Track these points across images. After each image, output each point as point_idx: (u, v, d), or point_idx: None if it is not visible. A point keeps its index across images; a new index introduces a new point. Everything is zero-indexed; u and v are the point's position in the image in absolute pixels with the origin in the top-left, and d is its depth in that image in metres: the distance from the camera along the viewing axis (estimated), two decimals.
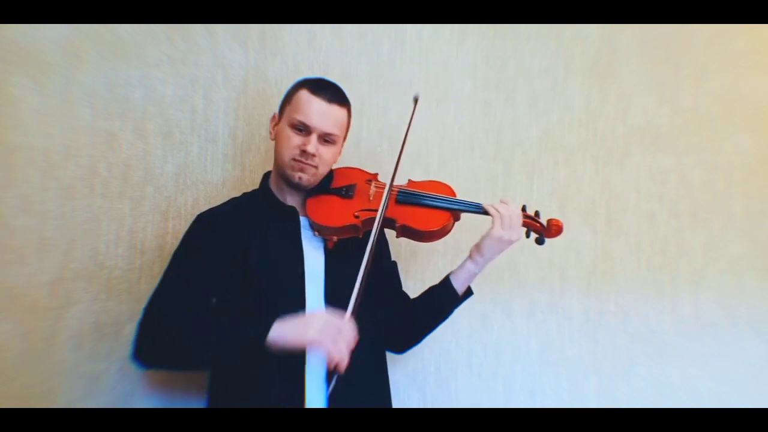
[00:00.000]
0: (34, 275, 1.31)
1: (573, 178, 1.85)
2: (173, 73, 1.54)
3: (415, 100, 1.38)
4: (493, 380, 1.78)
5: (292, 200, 1.37)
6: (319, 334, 1.12)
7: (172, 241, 1.52)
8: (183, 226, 1.52)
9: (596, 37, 1.86)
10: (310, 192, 1.37)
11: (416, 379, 1.74)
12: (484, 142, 1.83)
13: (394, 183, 1.35)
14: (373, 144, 1.75)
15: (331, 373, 1.16)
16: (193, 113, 1.57)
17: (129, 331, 1.45)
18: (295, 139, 1.30)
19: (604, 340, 1.81)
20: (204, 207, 1.54)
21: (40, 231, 1.32)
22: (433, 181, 1.44)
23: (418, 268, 1.74)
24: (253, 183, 1.62)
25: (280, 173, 1.36)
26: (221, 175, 1.61)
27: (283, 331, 1.14)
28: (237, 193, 1.53)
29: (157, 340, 1.22)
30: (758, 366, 1.81)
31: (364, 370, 1.27)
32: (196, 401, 1.54)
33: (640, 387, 1.80)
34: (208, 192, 1.59)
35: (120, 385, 1.44)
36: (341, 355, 1.11)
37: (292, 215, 1.35)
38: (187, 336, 1.20)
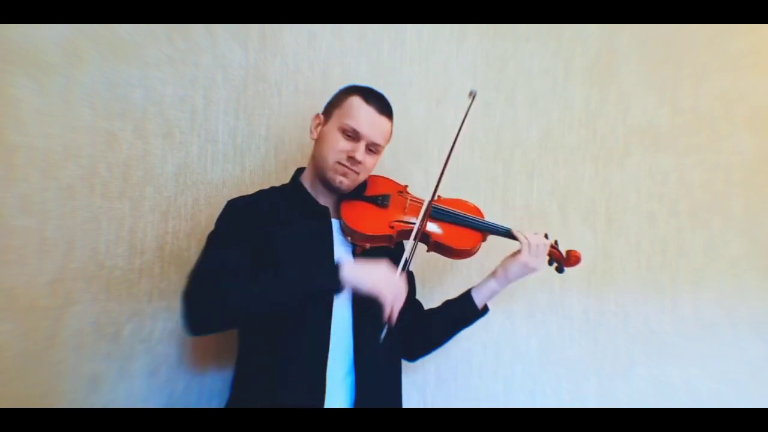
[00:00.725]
0: (34, 275, 1.31)
1: (573, 178, 1.85)
2: (173, 73, 1.54)
3: (472, 96, 1.39)
4: (493, 380, 1.78)
5: (324, 201, 1.37)
6: (388, 289, 1.17)
7: (172, 241, 1.52)
8: (183, 226, 1.53)
9: (596, 37, 1.86)
10: (344, 196, 1.37)
11: (416, 379, 1.74)
12: (484, 142, 1.83)
13: (421, 196, 1.39)
14: None
15: (383, 324, 1.20)
16: (193, 113, 1.57)
17: (129, 331, 1.46)
18: (344, 144, 1.31)
19: (604, 340, 1.81)
20: (204, 207, 1.55)
21: (40, 231, 1.32)
22: (463, 201, 1.47)
23: (418, 269, 1.74)
24: (253, 183, 1.62)
25: (318, 174, 1.36)
26: (221, 175, 1.61)
27: (358, 274, 1.16)
28: (237, 194, 1.52)
29: (213, 297, 1.13)
30: (758, 366, 1.82)
31: (385, 375, 1.30)
32: (196, 401, 1.54)
33: (640, 387, 1.80)
34: (208, 192, 1.59)
35: (120, 385, 1.44)
36: (395, 311, 1.18)
37: (324, 215, 1.35)
38: (246, 286, 1.14)
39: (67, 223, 1.36)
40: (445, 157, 1.34)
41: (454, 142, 1.34)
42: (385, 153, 1.74)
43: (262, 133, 1.65)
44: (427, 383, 1.75)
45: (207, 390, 1.55)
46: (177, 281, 1.48)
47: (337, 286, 1.14)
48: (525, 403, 1.78)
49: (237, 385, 1.29)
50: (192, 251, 1.51)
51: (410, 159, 1.75)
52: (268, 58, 1.67)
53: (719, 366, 1.81)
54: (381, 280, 1.17)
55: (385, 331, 1.19)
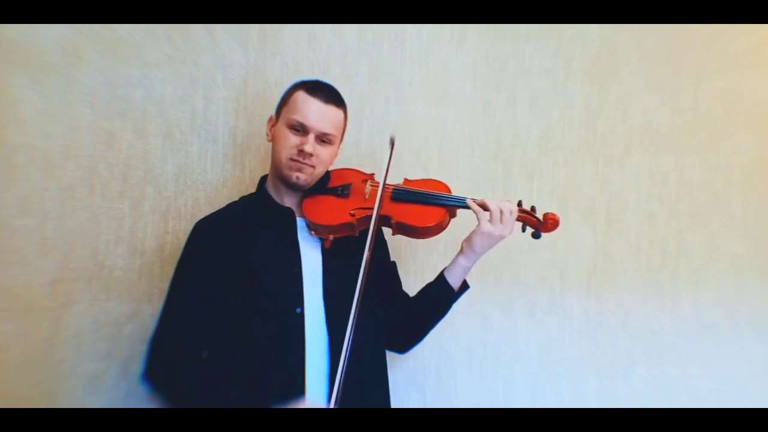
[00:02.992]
0: (34, 275, 1.31)
1: (573, 178, 1.85)
2: (173, 73, 1.54)
3: (392, 143, 1.36)
4: (493, 380, 1.78)
5: (289, 201, 1.38)
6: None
7: (172, 241, 1.52)
8: (183, 226, 1.53)
9: (596, 37, 1.86)
10: (307, 192, 1.38)
11: (416, 379, 1.74)
12: (484, 142, 1.83)
13: (390, 182, 1.37)
14: (373, 144, 1.75)
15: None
16: (193, 113, 1.57)
17: (129, 331, 1.46)
18: (293, 139, 1.32)
19: (604, 340, 1.81)
20: (204, 207, 1.55)
21: (40, 231, 1.32)
22: (429, 179, 1.45)
23: (418, 268, 1.74)
24: (253, 183, 1.61)
25: (277, 174, 1.37)
26: (221, 175, 1.61)
27: None
28: (237, 194, 1.53)
29: (169, 376, 1.24)
30: (758, 366, 1.81)
31: (365, 371, 1.28)
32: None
33: (640, 387, 1.80)
34: (208, 192, 1.59)
35: (120, 385, 1.44)
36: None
37: (289, 216, 1.36)
38: (198, 385, 1.22)
39: (67, 223, 1.36)
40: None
41: (385, 179, 1.33)
42: (385, 152, 1.75)
43: (262, 133, 1.65)
44: (427, 383, 1.75)
45: None
46: None
47: None
48: (525, 403, 1.78)
49: None
50: None
51: (410, 159, 1.75)
52: (268, 58, 1.67)
53: (719, 366, 1.81)
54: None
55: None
